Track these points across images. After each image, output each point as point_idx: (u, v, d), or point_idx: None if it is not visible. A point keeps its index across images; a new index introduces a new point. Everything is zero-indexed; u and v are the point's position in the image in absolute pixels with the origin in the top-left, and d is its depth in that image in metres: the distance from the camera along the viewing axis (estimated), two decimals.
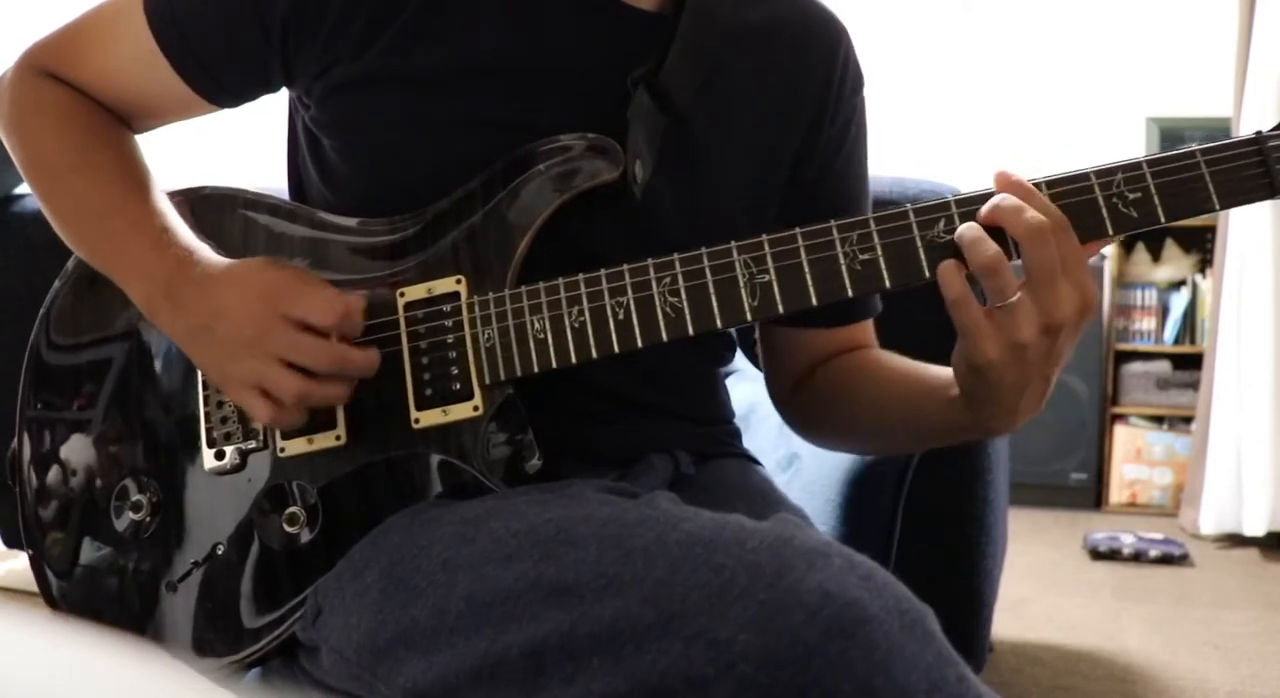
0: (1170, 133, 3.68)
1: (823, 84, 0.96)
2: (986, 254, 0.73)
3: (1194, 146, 0.76)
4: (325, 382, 0.79)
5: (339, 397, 0.81)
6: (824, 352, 1.00)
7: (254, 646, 0.83)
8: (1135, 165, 0.76)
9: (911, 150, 3.36)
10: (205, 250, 0.86)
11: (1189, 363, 3.58)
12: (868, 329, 1.02)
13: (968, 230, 0.75)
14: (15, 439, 0.95)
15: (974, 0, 3.89)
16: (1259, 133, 0.75)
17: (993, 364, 0.75)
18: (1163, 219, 0.75)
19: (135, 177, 0.91)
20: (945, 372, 0.84)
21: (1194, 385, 3.41)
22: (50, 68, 0.94)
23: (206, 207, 0.93)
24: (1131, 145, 3.67)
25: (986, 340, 0.74)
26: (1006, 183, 0.76)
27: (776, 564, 0.58)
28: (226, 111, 0.96)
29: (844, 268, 0.78)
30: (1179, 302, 3.65)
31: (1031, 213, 0.73)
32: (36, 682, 0.24)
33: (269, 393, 0.79)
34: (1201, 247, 3.66)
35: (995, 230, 0.74)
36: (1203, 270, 3.63)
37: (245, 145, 2.57)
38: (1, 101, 0.94)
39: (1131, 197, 0.75)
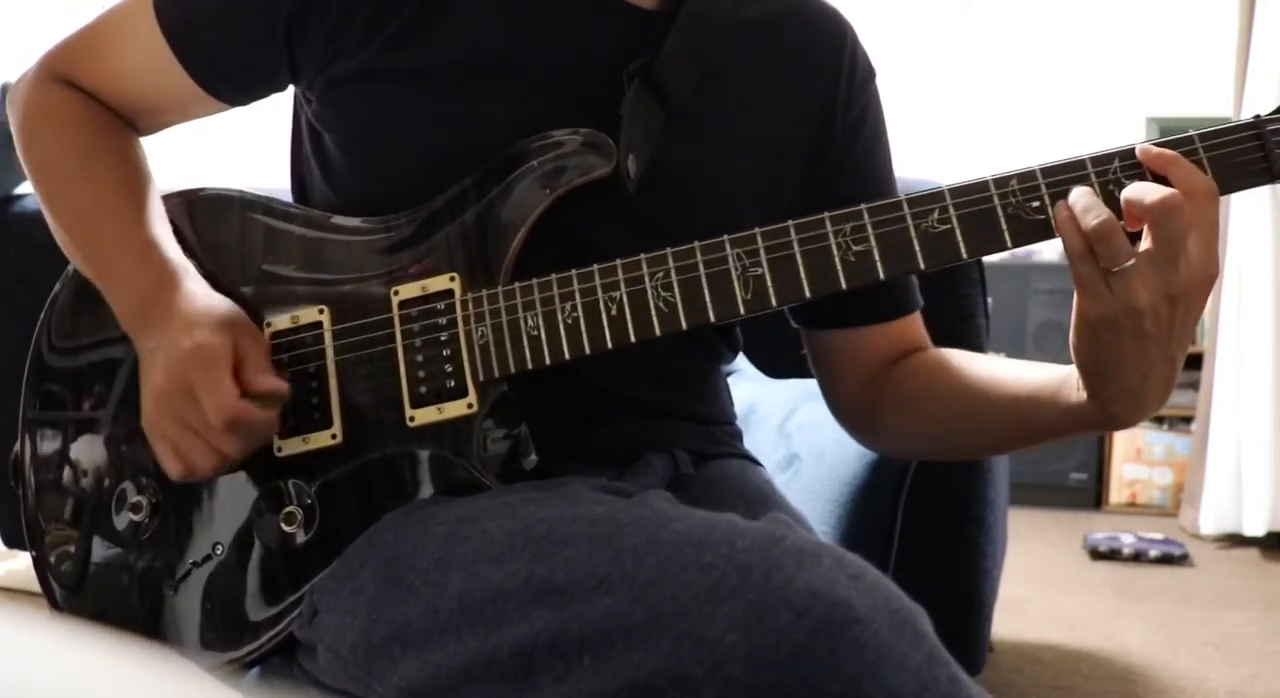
0: (1170, 132, 3.67)
1: (829, 79, 0.95)
2: (1098, 220, 0.72)
3: (1192, 132, 0.75)
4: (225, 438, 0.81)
5: (238, 449, 0.82)
6: (882, 353, 0.97)
7: (253, 644, 0.83)
8: (1131, 152, 0.75)
9: (911, 150, 3.36)
10: (186, 272, 0.86)
11: (1189, 363, 3.56)
12: (919, 326, 0.99)
13: (1080, 196, 0.73)
14: (17, 440, 0.95)
15: (973, 0, 3.89)
16: (1258, 116, 0.75)
17: (1110, 326, 0.73)
18: None
19: (133, 188, 0.91)
20: (1055, 369, 0.83)
21: (1194, 385, 3.41)
22: (64, 73, 0.95)
23: (204, 208, 0.93)
24: None
25: (1104, 298, 0.73)
26: (1147, 156, 0.74)
27: (765, 564, 0.57)
28: (229, 112, 0.97)
29: (837, 260, 0.77)
30: None
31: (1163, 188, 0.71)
32: (39, 682, 0.24)
33: (181, 453, 0.82)
34: None
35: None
36: None
37: (246, 145, 2.57)
38: (16, 107, 0.95)
39: (1128, 183, 0.75)
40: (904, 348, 0.98)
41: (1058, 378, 0.83)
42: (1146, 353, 0.74)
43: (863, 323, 0.97)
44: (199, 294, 0.85)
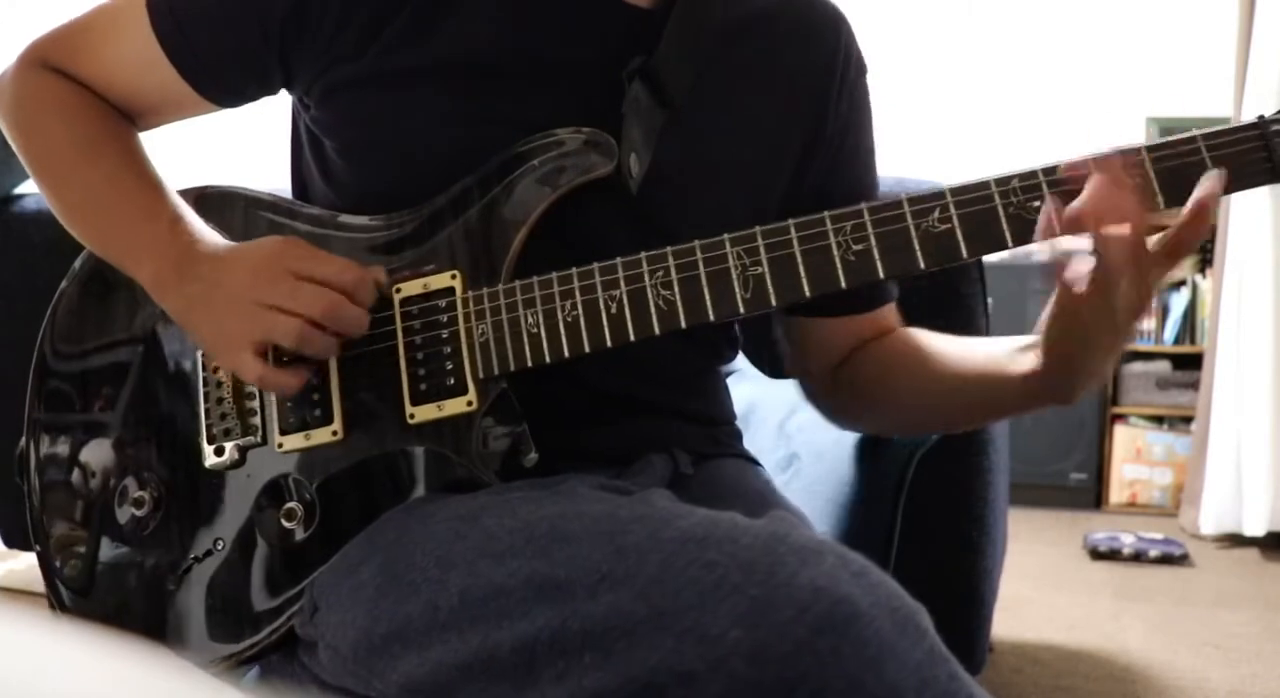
0: (1170, 133, 3.67)
1: (824, 73, 0.96)
2: (1083, 268, 0.73)
3: (1195, 132, 0.75)
4: (322, 331, 0.80)
5: (330, 349, 0.81)
6: (854, 340, 1.00)
7: (253, 638, 0.84)
8: (1135, 151, 0.75)
9: (913, 151, 3.36)
10: (217, 236, 0.86)
11: (1189, 363, 3.57)
12: (893, 312, 1.02)
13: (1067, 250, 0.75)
14: (23, 439, 0.96)
15: (976, 2, 3.89)
16: (1261, 117, 0.75)
17: (1089, 327, 0.76)
18: (1162, 205, 0.75)
19: (144, 166, 0.91)
20: (1000, 345, 0.86)
21: (1194, 385, 3.41)
22: (53, 62, 0.94)
23: (209, 205, 0.93)
24: None
25: (1084, 313, 0.75)
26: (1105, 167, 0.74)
27: (769, 561, 0.58)
28: (230, 113, 0.97)
29: (837, 259, 0.78)
30: (1179, 302, 3.66)
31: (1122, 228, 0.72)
32: (39, 682, 0.24)
33: (264, 346, 0.80)
34: (1201, 247, 3.66)
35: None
36: (1203, 270, 3.63)
37: (248, 147, 2.57)
38: (4, 95, 0.95)
39: (1130, 183, 0.75)
40: (876, 333, 1.00)
41: (1004, 355, 0.86)
42: (1117, 346, 0.78)
43: (841, 314, 0.99)
44: (237, 243, 0.85)
